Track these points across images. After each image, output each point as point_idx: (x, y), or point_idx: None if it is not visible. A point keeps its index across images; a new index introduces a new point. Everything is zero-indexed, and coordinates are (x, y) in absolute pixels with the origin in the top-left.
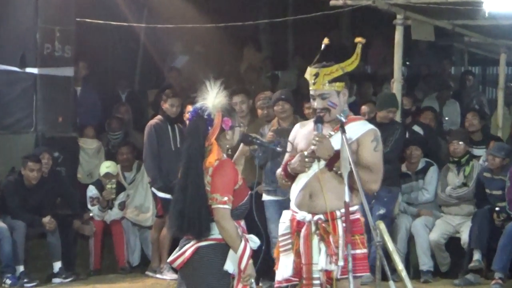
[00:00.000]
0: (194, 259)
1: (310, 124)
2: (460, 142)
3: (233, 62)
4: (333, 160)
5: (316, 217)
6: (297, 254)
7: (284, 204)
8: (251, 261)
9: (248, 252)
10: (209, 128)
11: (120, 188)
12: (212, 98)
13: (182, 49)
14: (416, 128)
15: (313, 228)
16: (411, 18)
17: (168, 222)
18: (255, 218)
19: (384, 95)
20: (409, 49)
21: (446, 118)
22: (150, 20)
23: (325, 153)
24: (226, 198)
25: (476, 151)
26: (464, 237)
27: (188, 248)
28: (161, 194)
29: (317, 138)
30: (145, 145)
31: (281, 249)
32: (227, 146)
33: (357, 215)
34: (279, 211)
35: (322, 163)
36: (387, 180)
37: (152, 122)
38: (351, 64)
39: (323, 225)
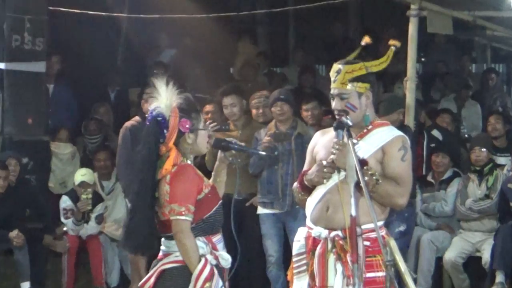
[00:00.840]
0: (158, 284)
1: (331, 132)
2: (483, 149)
3: (227, 58)
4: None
5: (333, 234)
6: (312, 276)
7: (281, 218)
8: (208, 284)
9: (205, 273)
10: (165, 131)
11: (97, 199)
12: (164, 96)
13: (169, 42)
14: (435, 132)
15: (329, 246)
16: (427, 8)
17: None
18: (232, 230)
19: (388, 97)
20: (424, 43)
21: (464, 124)
22: (133, 9)
23: (344, 163)
24: (183, 209)
25: (500, 159)
26: (486, 256)
27: (155, 272)
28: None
29: (336, 146)
30: (118, 150)
31: (294, 271)
32: (190, 151)
33: (382, 232)
34: (275, 226)
35: (343, 173)
36: None
37: (128, 123)
38: (378, 65)
39: (341, 242)
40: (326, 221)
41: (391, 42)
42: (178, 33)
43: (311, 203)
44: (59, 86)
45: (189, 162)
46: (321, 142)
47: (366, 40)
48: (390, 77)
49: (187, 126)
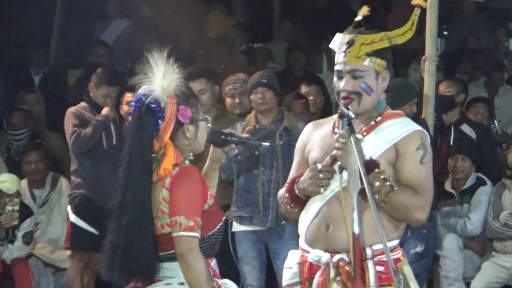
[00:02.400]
0: None
1: (327, 125)
2: None
3: (194, 31)
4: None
5: (336, 258)
6: None
7: (263, 238)
8: None
9: None
10: (159, 122)
11: (25, 213)
12: (161, 77)
13: (119, 10)
14: (466, 128)
15: (332, 273)
16: None
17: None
18: (231, 253)
19: (401, 85)
20: (447, 14)
21: (496, 121)
22: None
23: (351, 162)
24: (192, 223)
25: None
26: None
27: None
28: (72, 218)
29: (341, 140)
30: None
31: None
32: (189, 149)
33: (397, 254)
34: (255, 248)
35: (346, 178)
36: None
37: (73, 108)
38: (402, 35)
39: (347, 268)
40: (326, 242)
41: (415, 1)
42: None
43: (306, 219)
44: None
45: (187, 163)
46: (315, 138)
47: (363, 11)
48: (403, 55)
49: (188, 115)
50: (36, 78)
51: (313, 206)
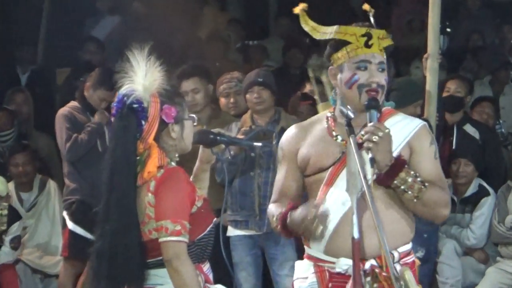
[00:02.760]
0: None
1: (318, 125)
2: None
3: (188, 28)
4: (396, 170)
5: (368, 264)
6: None
7: (259, 242)
8: None
9: None
10: (143, 123)
11: (13, 217)
12: (142, 76)
13: (110, 6)
14: (469, 129)
15: (368, 280)
16: None
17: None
18: (224, 258)
19: (407, 85)
20: (451, 9)
21: (500, 121)
22: None
23: (386, 158)
24: (179, 227)
25: None
26: None
27: None
28: (70, 225)
29: (380, 132)
30: (63, 143)
31: None
32: (175, 149)
33: (412, 257)
34: (251, 252)
35: (370, 178)
36: None
37: (64, 109)
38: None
39: (384, 274)
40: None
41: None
42: None
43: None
44: None
45: (173, 164)
46: (309, 142)
47: (366, 7)
48: (404, 53)
49: (172, 114)
50: (23, 77)
51: (333, 215)
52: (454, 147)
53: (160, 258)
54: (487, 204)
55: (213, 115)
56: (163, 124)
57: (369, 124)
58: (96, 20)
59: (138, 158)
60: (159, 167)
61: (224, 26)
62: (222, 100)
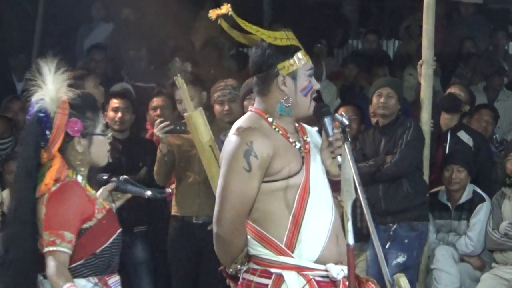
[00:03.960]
0: None
1: (272, 134)
2: None
3: (180, 35)
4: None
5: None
6: None
7: None
8: None
9: None
10: (47, 133)
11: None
12: (50, 87)
13: (103, 13)
14: (463, 135)
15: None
16: None
17: None
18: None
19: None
20: (445, 15)
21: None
22: None
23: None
24: (53, 238)
25: None
26: None
27: None
28: None
29: (337, 144)
30: None
31: None
32: (81, 163)
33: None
34: None
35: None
36: (410, 211)
37: None
38: None
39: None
40: (338, 254)
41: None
42: (117, 1)
43: (316, 238)
44: None
45: (79, 178)
46: (280, 151)
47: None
48: (399, 59)
49: (75, 128)
50: (19, 85)
51: (323, 221)
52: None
53: None
54: (483, 211)
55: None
56: (69, 136)
57: (335, 131)
58: (90, 28)
59: (42, 166)
60: (56, 180)
61: (218, 33)
62: (217, 107)
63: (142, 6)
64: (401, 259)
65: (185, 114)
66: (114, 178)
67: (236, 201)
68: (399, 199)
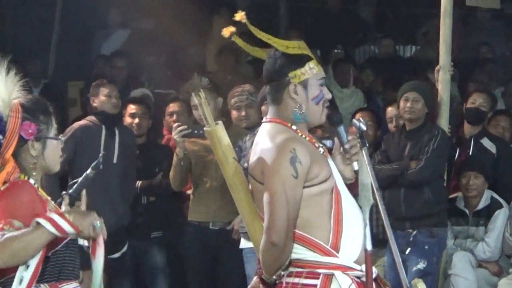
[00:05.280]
0: None
1: (303, 140)
2: None
3: (197, 41)
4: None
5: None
6: None
7: None
8: None
9: None
10: (0, 137)
11: None
12: (2, 88)
13: (121, 20)
14: (486, 142)
15: None
16: None
17: None
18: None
19: None
20: (462, 21)
21: None
22: None
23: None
24: (1, 225)
25: None
26: None
27: None
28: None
29: (353, 151)
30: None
31: None
32: (35, 167)
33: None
34: None
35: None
36: (430, 217)
37: (78, 123)
38: None
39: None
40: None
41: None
42: (133, 8)
43: (358, 239)
44: None
45: (31, 180)
46: (313, 157)
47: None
48: (416, 64)
49: (30, 131)
50: (35, 91)
51: (358, 221)
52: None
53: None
54: (500, 217)
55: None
56: (22, 140)
57: (350, 138)
58: (106, 34)
59: None
60: (5, 181)
61: (235, 38)
62: (234, 113)
63: (159, 12)
64: (421, 265)
65: (206, 129)
66: (63, 192)
67: (289, 208)
68: (420, 205)
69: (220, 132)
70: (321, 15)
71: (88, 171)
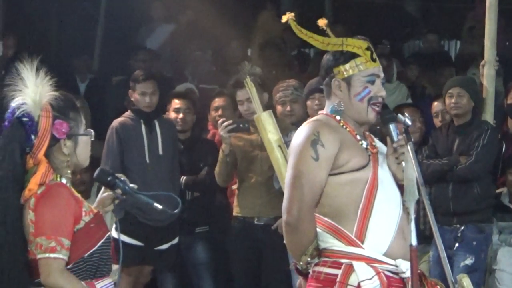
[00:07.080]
0: None
1: (341, 130)
2: None
3: (242, 35)
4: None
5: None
6: None
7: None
8: None
9: None
10: (32, 137)
11: None
12: (32, 90)
13: (165, 14)
14: None
15: None
16: None
17: None
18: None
19: None
20: (508, 16)
21: None
22: None
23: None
24: (54, 244)
25: None
26: None
27: None
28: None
29: (401, 150)
30: (103, 157)
31: None
32: (67, 166)
33: None
34: None
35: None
36: (478, 213)
37: (117, 121)
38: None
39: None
40: (406, 252)
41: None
42: (176, 4)
43: (385, 229)
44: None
45: (63, 180)
46: (345, 145)
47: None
48: (461, 60)
49: (63, 130)
50: (82, 86)
51: (391, 215)
52: None
53: None
54: None
55: None
56: (54, 140)
57: (399, 137)
58: (150, 29)
59: (27, 172)
60: (41, 185)
61: (280, 33)
62: (279, 108)
63: (203, 7)
64: (469, 261)
65: (254, 116)
66: (123, 178)
67: (305, 189)
68: (468, 200)
69: (267, 118)
70: (366, 10)
71: (160, 206)
